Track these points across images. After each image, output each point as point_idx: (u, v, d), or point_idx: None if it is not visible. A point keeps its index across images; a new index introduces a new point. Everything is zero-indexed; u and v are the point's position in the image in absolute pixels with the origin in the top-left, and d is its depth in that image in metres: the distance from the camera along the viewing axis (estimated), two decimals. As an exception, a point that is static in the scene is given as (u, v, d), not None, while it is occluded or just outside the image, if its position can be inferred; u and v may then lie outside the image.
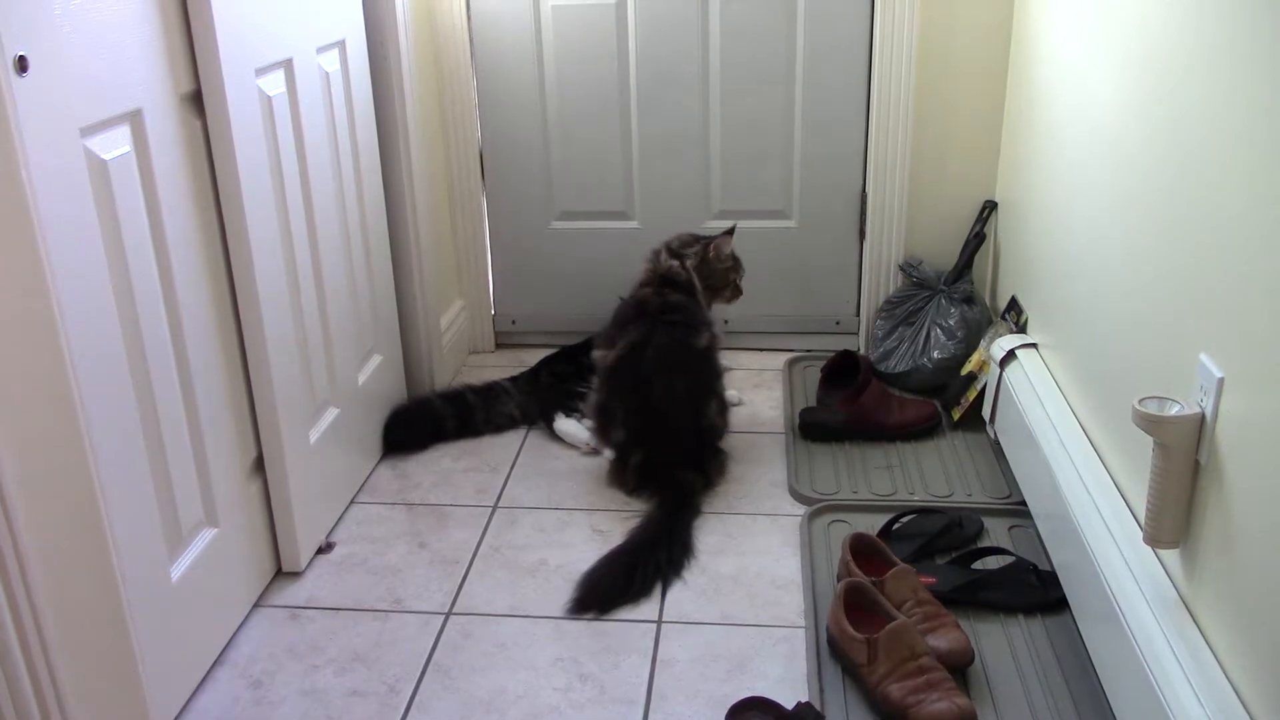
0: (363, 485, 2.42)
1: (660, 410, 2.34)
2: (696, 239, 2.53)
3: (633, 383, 2.35)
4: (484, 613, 1.98)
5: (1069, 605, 1.85)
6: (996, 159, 2.80)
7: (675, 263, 2.48)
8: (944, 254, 2.87)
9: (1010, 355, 2.35)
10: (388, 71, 2.48)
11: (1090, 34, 2.02)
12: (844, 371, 2.65)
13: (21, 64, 1.32)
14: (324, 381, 2.21)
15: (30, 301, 1.32)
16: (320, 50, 2.14)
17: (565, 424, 2.59)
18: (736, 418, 2.66)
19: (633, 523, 2.23)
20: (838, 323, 3.07)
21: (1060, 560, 1.90)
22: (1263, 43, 1.31)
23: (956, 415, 2.56)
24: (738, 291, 2.59)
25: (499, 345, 3.19)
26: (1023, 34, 2.59)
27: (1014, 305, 2.51)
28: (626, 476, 2.38)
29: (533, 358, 2.89)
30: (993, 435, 2.47)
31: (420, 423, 2.60)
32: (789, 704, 1.66)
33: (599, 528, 2.24)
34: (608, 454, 2.45)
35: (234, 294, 1.89)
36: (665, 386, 2.33)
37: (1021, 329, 2.44)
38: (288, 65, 2.01)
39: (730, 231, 2.53)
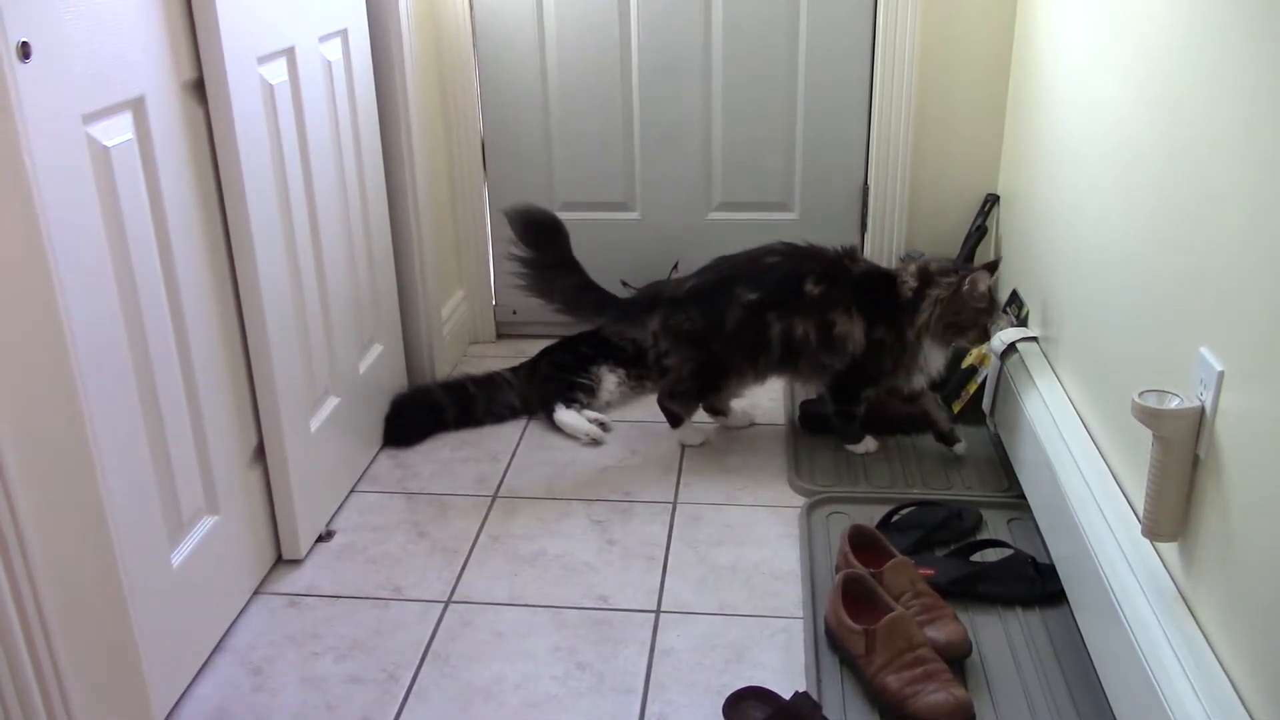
0: (363, 474, 2.42)
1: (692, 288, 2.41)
2: (955, 269, 2.30)
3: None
4: (483, 601, 1.98)
5: (1067, 598, 1.85)
6: (999, 152, 2.80)
7: (913, 282, 2.29)
8: (946, 247, 2.87)
9: (1011, 348, 2.36)
10: (390, 61, 2.48)
11: (1094, 27, 2.02)
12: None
13: (24, 50, 1.32)
14: (325, 370, 2.21)
15: (33, 288, 1.32)
16: (322, 39, 2.14)
17: (565, 415, 2.59)
18: (737, 408, 2.66)
19: (632, 514, 2.24)
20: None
21: (1059, 553, 1.91)
22: (1265, 39, 1.31)
23: (957, 408, 2.56)
24: (984, 335, 2.34)
25: (500, 335, 3.19)
26: (1026, 26, 2.59)
27: (1015, 299, 2.51)
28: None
29: (533, 348, 2.89)
30: (993, 428, 2.47)
31: (420, 415, 2.60)
32: (786, 694, 1.66)
33: (598, 518, 2.24)
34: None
35: (235, 282, 1.89)
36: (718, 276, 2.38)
37: (1022, 322, 2.44)
38: (290, 54, 2.00)
39: (991, 267, 2.34)
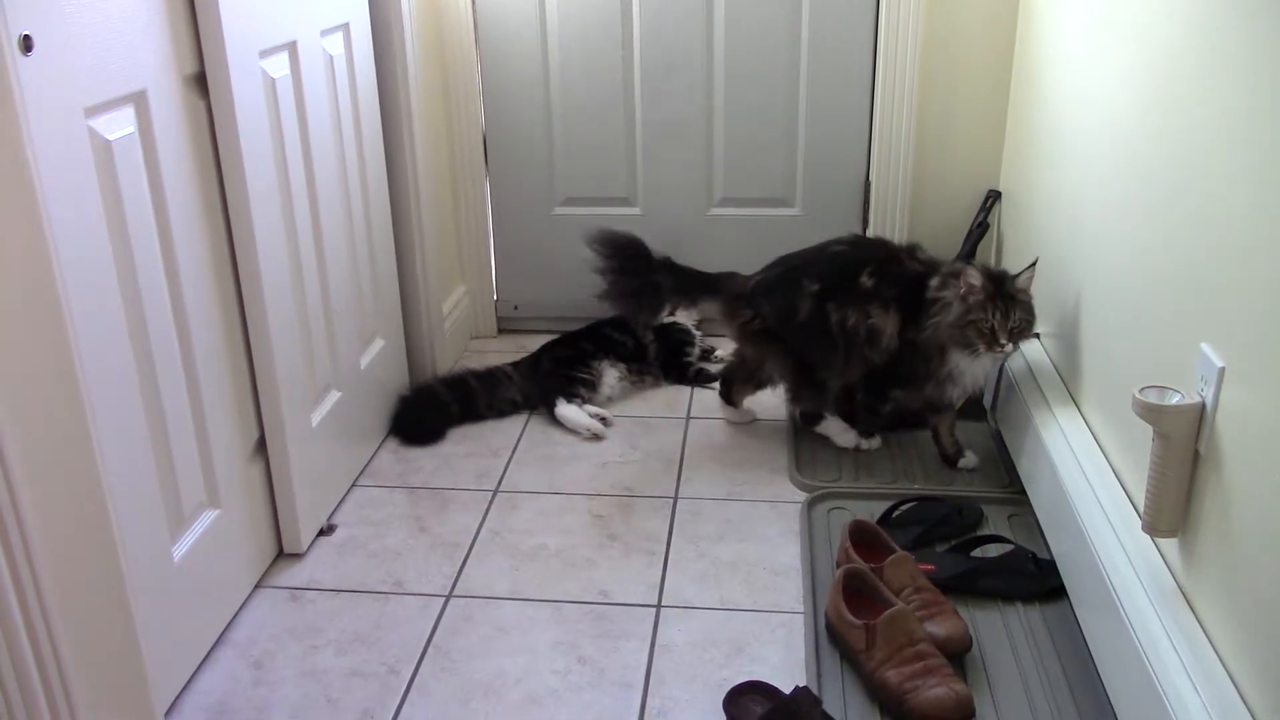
0: (364, 468, 2.42)
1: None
2: (976, 271, 2.13)
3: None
4: (484, 596, 1.98)
5: (1067, 594, 1.85)
6: (1000, 148, 2.80)
7: (936, 283, 2.21)
8: (947, 243, 2.87)
9: (1012, 344, 2.35)
10: (391, 56, 2.47)
11: (1095, 24, 2.02)
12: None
13: (26, 43, 1.32)
14: (326, 364, 2.21)
15: (35, 282, 1.32)
16: (324, 33, 2.14)
17: (566, 409, 2.59)
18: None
19: (633, 509, 2.24)
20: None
21: (1059, 549, 1.91)
22: (1265, 36, 1.31)
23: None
24: (992, 341, 2.11)
25: (501, 330, 3.19)
26: (1028, 22, 2.58)
27: (1016, 295, 2.51)
28: None
29: (534, 343, 2.89)
30: (994, 424, 2.47)
31: (432, 412, 2.60)
32: (787, 689, 1.66)
33: (598, 513, 2.24)
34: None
35: (237, 276, 1.89)
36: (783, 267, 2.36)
37: (1023, 318, 2.44)
38: (292, 48, 2.00)
39: (1027, 269, 2.15)
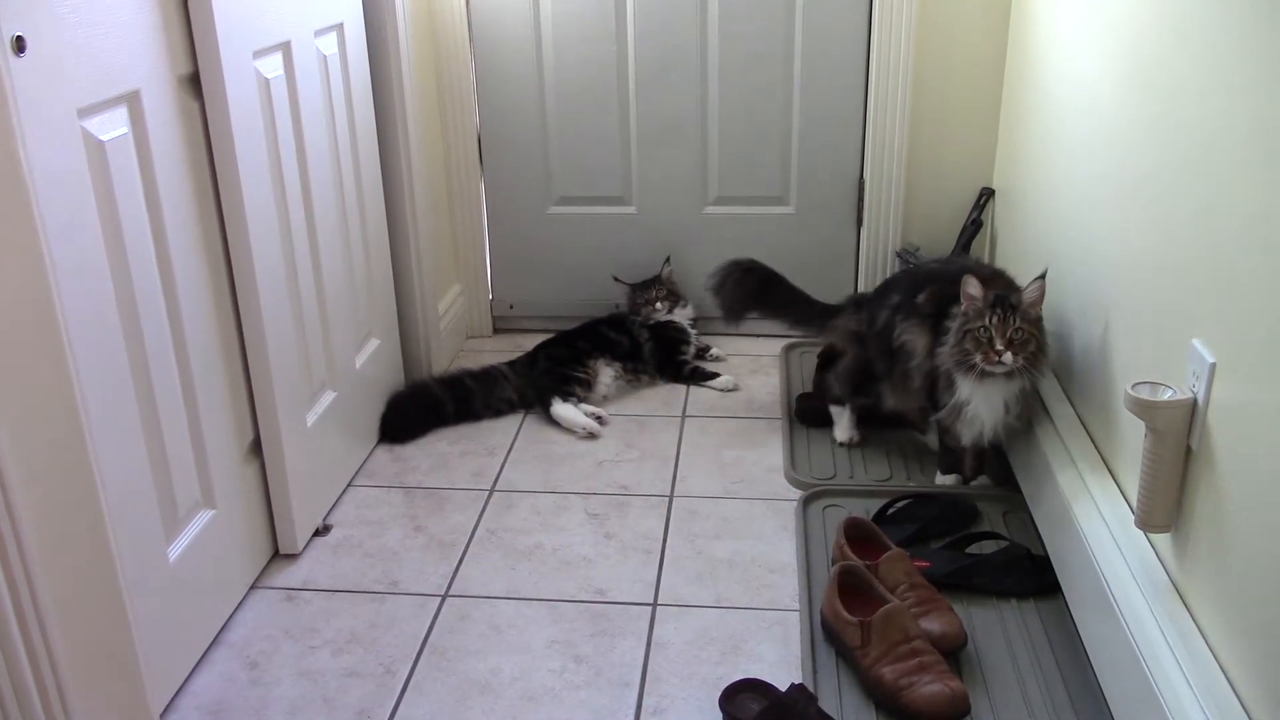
0: (360, 468, 2.42)
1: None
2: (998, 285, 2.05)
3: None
4: (480, 595, 1.99)
5: (1061, 589, 1.86)
6: (994, 146, 2.80)
7: (958, 308, 2.05)
8: (941, 241, 2.88)
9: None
10: (386, 55, 2.47)
11: (1088, 23, 2.02)
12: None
13: (19, 44, 1.32)
14: (321, 364, 2.21)
15: (28, 283, 1.32)
16: (318, 33, 2.14)
17: (562, 408, 2.59)
18: (734, 403, 2.67)
19: (629, 507, 2.25)
20: (835, 309, 3.07)
21: (1053, 545, 1.91)
22: (1254, 32, 1.32)
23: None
24: (989, 348, 1.95)
25: (496, 330, 3.20)
26: (1021, 21, 2.59)
27: (1010, 292, 2.51)
28: None
29: (530, 342, 2.89)
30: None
31: (417, 410, 2.60)
32: (783, 686, 1.67)
33: (594, 511, 2.24)
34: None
35: (231, 276, 1.89)
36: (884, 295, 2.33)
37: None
38: (286, 48, 2.00)
39: (1034, 282, 1.99)
